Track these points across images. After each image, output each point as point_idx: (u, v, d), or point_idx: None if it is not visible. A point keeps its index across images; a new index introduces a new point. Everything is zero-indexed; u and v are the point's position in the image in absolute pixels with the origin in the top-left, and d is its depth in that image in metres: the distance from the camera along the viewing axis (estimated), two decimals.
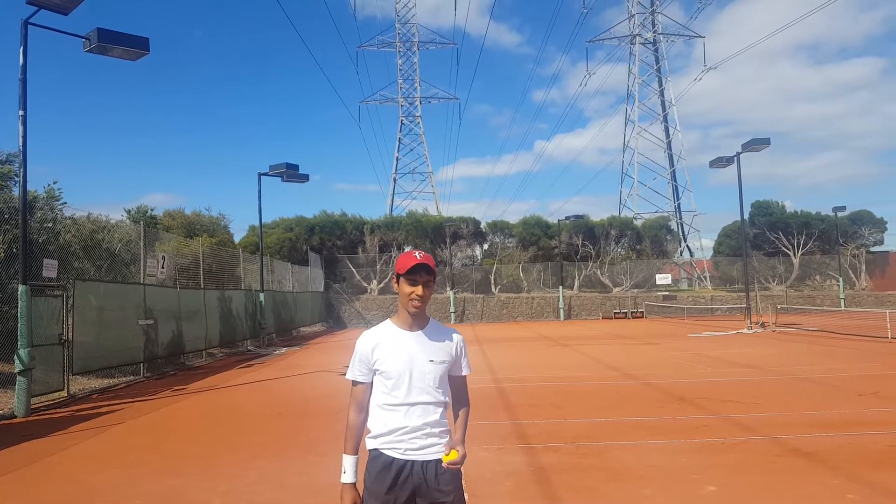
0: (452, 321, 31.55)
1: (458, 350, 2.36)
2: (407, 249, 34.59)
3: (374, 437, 2.27)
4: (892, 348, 13.97)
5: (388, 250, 33.84)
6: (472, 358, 13.67)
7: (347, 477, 2.27)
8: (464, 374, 2.41)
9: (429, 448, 2.21)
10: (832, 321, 22.65)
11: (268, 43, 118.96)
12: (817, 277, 36.08)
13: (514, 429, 6.97)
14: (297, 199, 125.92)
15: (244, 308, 18.77)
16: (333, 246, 34.26)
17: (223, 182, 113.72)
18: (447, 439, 2.27)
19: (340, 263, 33.58)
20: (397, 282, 2.28)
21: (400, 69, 60.53)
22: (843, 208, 33.62)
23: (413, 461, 2.20)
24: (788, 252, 34.86)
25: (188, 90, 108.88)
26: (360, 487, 2.30)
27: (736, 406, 7.63)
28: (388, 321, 2.35)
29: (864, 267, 35.50)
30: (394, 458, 2.20)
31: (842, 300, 31.98)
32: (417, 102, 60.58)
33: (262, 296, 19.60)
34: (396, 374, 2.22)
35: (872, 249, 37.16)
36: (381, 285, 33.20)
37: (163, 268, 13.73)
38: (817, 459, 5.32)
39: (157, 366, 13.15)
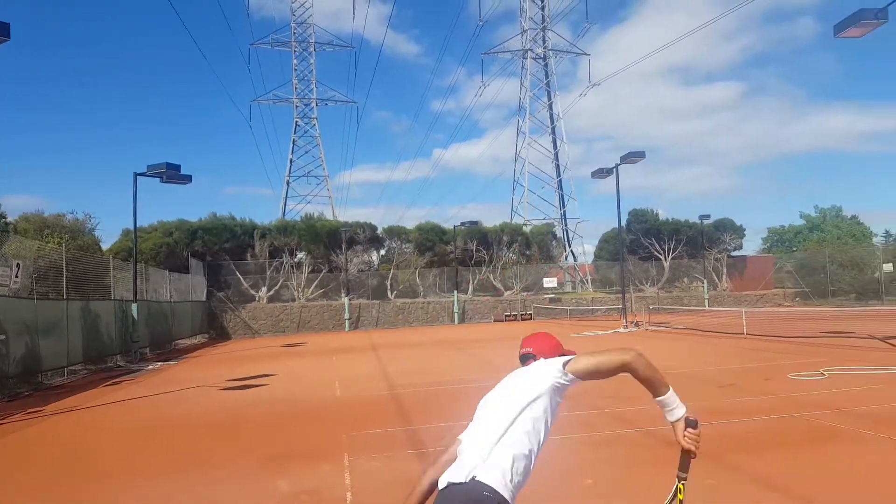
0: (347, 328, 31.06)
1: None
2: (300, 256, 33.65)
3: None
4: (748, 343, 15.38)
5: (280, 256, 32.69)
6: (366, 366, 13.53)
7: None
8: None
9: None
10: (698, 320, 24.59)
11: (149, 35, 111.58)
12: (685, 280, 39.02)
13: (406, 435, 6.94)
14: (183, 203, 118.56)
15: (114, 320, 17.36)
16: (220, 251, 32.53)
17: (100, 186, 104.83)
18: None
19: (226, 270, 31.98)
20: None
21: (295, 69, 58.94)
22: (708, 216, 36.72)
23: None
24: (660, 256, 37.47)
25: (57, 81, 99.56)
26: None
27: (614, 401, 8.06)
28: None
29: (725, 270, 38.87)
30: None
31: (706, 300, 34.83)
32: (313, 104, 59.22)
33: (134, 306, 18.24)
34: None
35: (733, 254, 40.69)
36: (271, 293, 32.00)
37: (17, 276, 12.38)
38: None
39: (8, 386, 11.78)
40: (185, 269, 28.42)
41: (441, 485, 2.05)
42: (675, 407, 2.13)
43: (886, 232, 48.07)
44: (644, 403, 7.83)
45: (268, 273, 32.16)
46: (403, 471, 5.49)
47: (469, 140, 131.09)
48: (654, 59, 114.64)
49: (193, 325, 27.19)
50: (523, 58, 51.92)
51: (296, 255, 33.54)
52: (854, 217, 53.14)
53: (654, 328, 21.93)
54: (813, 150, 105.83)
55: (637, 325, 22.35)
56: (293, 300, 32.25)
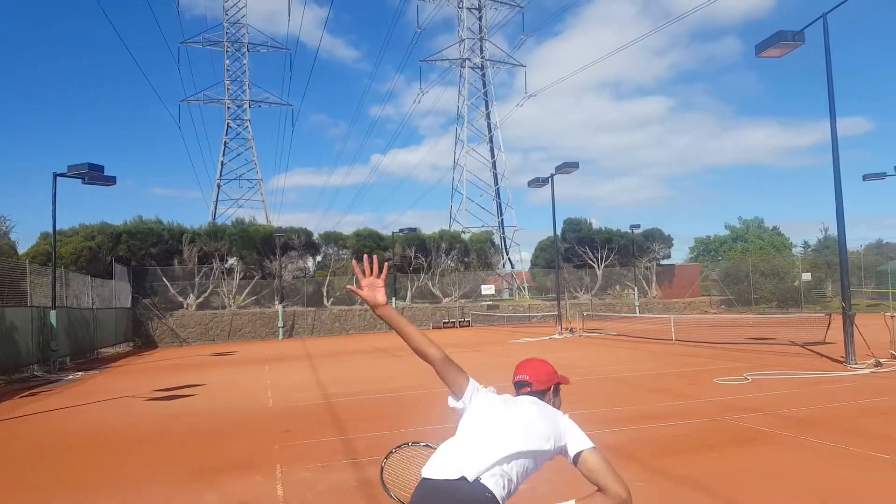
0: (281, 337, 30.31)
1: None
2: (231, 262, 32.65)
3: None
4: (676, 349, 15.97)
5: (210, 261, 31.59)
6: (300, 374, 13.22)
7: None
8: None
9: None
10: (629, 326, 25.39)
11: (71, 30, 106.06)
12: (617, 287, 40.25)
13: (341, 444, 6.80)
14: (106, 206, 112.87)
15: (31, 328, 16.31)
16: (146, 256, 31.12)
17: (16, 188, 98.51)
18: None
19: (152, 276, 30.63)
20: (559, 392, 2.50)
21: (228, 70, 57.42)
22: (639, 226, 38.08)
23: None
24: (594, 264, 38.53)
25: None
26: None
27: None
28: None
29: (654, 278, 40.35)
30: None
31: (637, 307, 36.02)
32: (246, 106, 57.80)
33: (53, 313, 17.19)
34: None
35: (662, 262, 42.32)
36: (200, 300, 30.87)
37: None
38: (618, 451, 5.84)
39: None
40: (108, 275, 27.06)
41: (429, 474, 2.04)
42: None
43: (805, 243, 51.26)
44: (575, 408, 7.97)
45: (197, 279, 31.02)
46: (338, 480, 5.37)
47: (408, 146, 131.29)
48: (588, 72, 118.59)
49: (118, 333, 25.89)
50: (461, 66, 52.50)
51: (227, 260, 32.49)
52: (775, 228, 56.32)
53: (587, 334, 22.47)
54: (737, 164, 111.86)
55: (571, 331, 22.83)
56: (224, 307, 31.24)
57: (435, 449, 2.26)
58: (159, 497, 5.24)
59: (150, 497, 5.26)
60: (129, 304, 28.61)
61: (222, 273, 31.64)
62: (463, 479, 1.95)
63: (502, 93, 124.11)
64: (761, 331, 19.40)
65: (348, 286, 2.49)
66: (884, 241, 44.96)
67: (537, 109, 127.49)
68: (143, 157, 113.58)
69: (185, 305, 30.62)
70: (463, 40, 52.35)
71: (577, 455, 2.14)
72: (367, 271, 2.43)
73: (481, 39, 52.93)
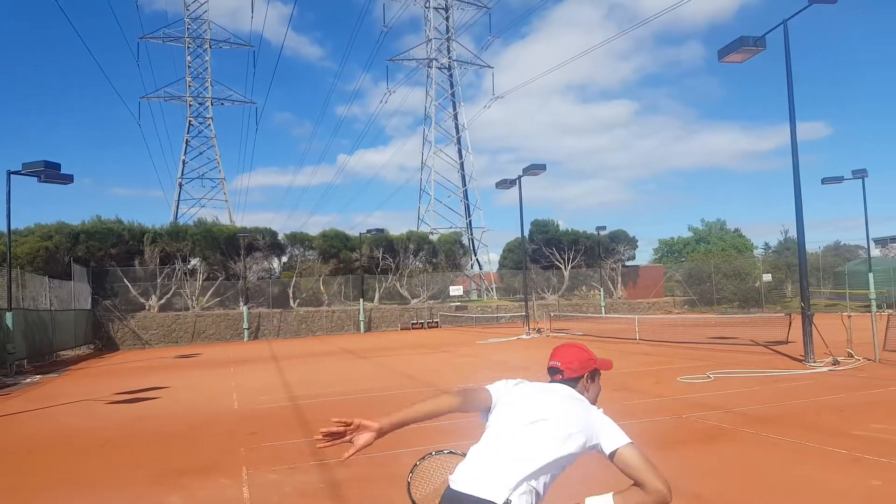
0: (246, 338, 29.82)
1: None
2: (194, 262, 32.02)
3: None
4: (641, 348, 16.22)
5: (172, 262, 30.88)
6: (266, 376, 13.02)
7: None
8: None
9: None
10: (595, 326, 25.71)
11: (27, 24, 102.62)
12: (583, 288, 40.74)
13: (307, 446, 6.72)
14: (63, 205, 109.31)
15: None
16: (105, 256, 30.26)
17: None
18: None
19: (113, 277, 29.81)
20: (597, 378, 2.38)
21: (189, 66, 56.25)
22: (604, 228, 38.62)
23: None
24: (560, 265, 38.92)
25: None
26: None
27: None
28: None
29: (620, 279, 40.97)
30: None
31: (603, 307, 36.51)
32: (209, 103, 56.67)
33: (9, 315, 16.61)
34: None
35: (627, 264, 42.99)
36: (163, 301, 30.16)
37: None
38: None
39: None
40: (66, 276, 26.23)
41: (458, 486, 1.96)
42: None
43: (766, 244, 52.68)
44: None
45: (159, 280, 30.31)
46: (304, 482, 5.31)
47: (375, 147, 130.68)
48: (554, 75, 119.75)
49: (77, 335, 25.13)
50: (428, 67, 52.44)
51: (189, 261, 31.82)
52: (737, 230, 57.70)
53: (554, 334, 22.66)
54: (700, 167, 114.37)
55: (539, 331, 23.01)
56: (187, 309, 30.59)
57: (460, 455, 2.19)
58: (122, 500, 5.13)
59: (112, 500, 5.15)
60: (88, 306, 27.78)
61: (185, 274, 30.98)
62: (477, 498, 1.90)
63: (470, 94, 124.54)
64: (723, 330, 19.85)
65: (343, 458, 2.11)
66: (841, 243, 46.56)
67: (505, 111, 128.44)
68: (101, 155, 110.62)
69: (146, 307, 29.90)
70: (430, 40, 52.34)
71: (614, 452, 2.08)
72: (339, 433, 2.07)
73: (448, 40, 53.00)
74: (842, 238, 57.09)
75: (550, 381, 2.32)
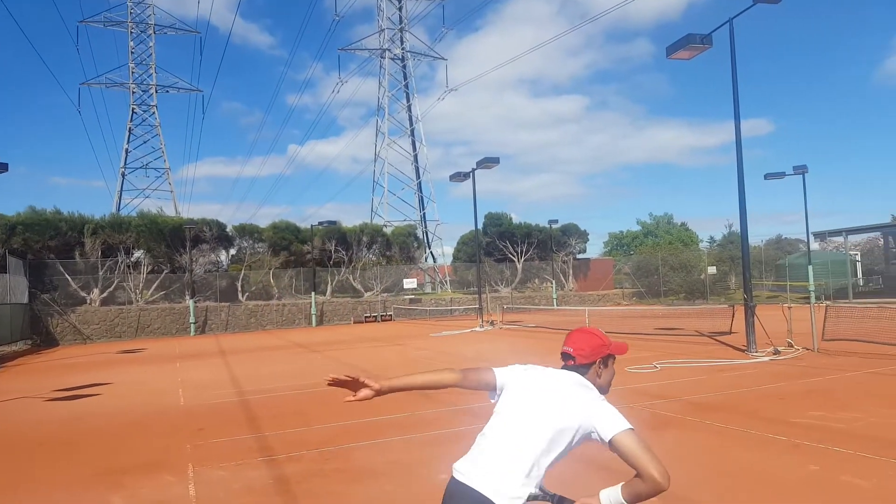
0: (192, 333, 29.01)
1: None
2: (137, 254, 30.92)
3: None
4: None
5: (114, 254, 29.70)
6: (213, 372, 12.65)
7: None
8: None
9: None
10: (547, 318, 26.07)
11: None
12: (536, 280, 41.28)
13: (255, 442, 6.57)
14: None
15: None
16: (43, 249, 28.88)
17: None
18: None
19: (51, 270, 28.49)
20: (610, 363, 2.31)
21: (132, 52, 54.19)
22: (556, 221, 39.13)
23: None
24: (514, 258, 39.31)
25: None
26: None
27: (468, 397, 8.21)
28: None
29: (571, 271, 41.68)
30: None
31: (555, 300, 37.10)
32: (153, 91, 54.80)
33: None
34: None
35: (578, 257, 43.73)
36: (105, 295, 29.01)
37: None
38: None
39: None
40: (1, 269, 24.92)
41: (460, 476, 2.02)
42: None
43: (711, 238, 54.49)
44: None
45: (101, 273, 29.13)
46: (253, 479, 5.18)
47: (327, 137, 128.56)
48: (507, 69, 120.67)
49: (13, 330, 23.96)
50: (381, 57, 51.94)
51: (132, 253, 30.71)
52: (683, 224, 59.43)
53: (507, 327, 22.87)
54: (649, 163, 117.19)
55: (492, 324, 23.18)
56: (130, 303, 29.55)
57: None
58: (62, 499, 4.94)
59: (52, 500, 4.96)
60: (25, 300, 26.50)
61: (128, 267, 29.86)
62: (477, 492, 1.94)
63: (424, 86, 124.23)
64: (670, 321, 20.41)
65: (346, 399, 2.30)
66: (783, 237, 48.63)
67: (459, 104, 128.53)
68: (38, 143, 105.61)
69: (88, 301, 28.72)
70: (383, 30, 51.82)
71: (611, 440, 2.02)
72: (345, 382, 2.28)
73: (402, 30, 52.59)
74: (783, 232, 59.61)
75: (563, 367, 2.29)
